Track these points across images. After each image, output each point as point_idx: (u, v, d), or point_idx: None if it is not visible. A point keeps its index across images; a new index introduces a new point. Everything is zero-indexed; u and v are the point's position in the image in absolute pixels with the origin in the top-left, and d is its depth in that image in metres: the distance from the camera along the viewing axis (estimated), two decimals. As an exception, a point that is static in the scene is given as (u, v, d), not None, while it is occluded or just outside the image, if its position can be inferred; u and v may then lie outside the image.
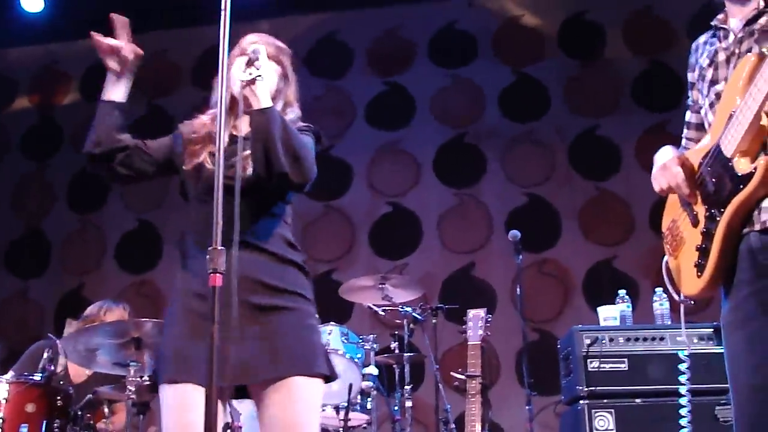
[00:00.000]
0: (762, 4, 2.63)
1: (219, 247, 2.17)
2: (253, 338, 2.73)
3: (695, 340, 4.87)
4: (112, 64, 3.10)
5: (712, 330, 4.87)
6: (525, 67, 8.43)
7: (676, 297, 2.86)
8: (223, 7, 2.48)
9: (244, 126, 2.93)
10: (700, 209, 2.67)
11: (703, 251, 2.62)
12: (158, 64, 8.88)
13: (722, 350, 4.73)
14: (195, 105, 9.31)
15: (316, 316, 2.94)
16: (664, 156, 2.83)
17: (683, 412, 3.14)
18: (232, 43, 2.70)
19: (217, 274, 2.16)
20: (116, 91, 3.16)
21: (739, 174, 2.47)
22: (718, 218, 2.55)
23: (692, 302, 2.77)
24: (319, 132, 3.12)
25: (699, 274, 2.64)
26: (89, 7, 8.15)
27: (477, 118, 8.37)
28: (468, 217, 8.10)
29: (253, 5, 7.64)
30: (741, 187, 2.46)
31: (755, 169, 2.42)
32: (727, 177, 2.53)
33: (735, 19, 2.74)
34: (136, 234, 8.54)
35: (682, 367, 3.16)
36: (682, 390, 3.11)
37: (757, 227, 2.49)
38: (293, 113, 3.10)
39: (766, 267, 2.49)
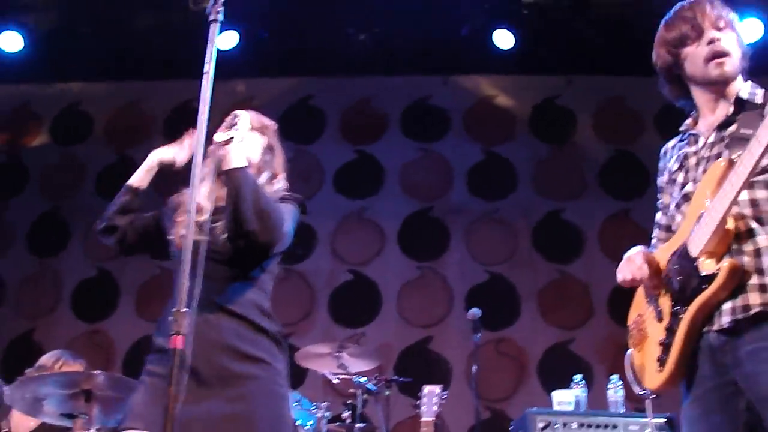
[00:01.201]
0: (731, 110, 2.70)
1: (183, 309, 2.15)
2: (219, 400, 2.71)
3: (647, 430, 4.89)
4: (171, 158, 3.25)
5: (665, 420, 4.89)
6: (495, 146, 8.53)
7: (636, 390, 2.88)
8: (207, 60, 2.49)
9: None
10: (665, 305, 2.70)
11: (666, 346, 2.66)
12: (131, 114, 8.89)
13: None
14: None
15: (286, 385, 2.94)
16: (632, 252, 2.87)
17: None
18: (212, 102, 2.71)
19: (179, 336, 2.13)
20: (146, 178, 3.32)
21: (703, 274, 2.52)
22: (681, 315, 2.60)
23: (653, 395, 2.80)
24: (304, 202, 3.17)
25: (660, 368, 2.67)
26: (67, 50, 8.22)
27: (444, 192, 8.43)
28: (428, 290, 8.10)
29: (230, 64, 7.69)
30: (704, 287, 2.51)
31: (718, 270, 2.48)
32: (691, 276, 2.57)
33: (704, 123, 2.81)
34: (94, 282, 8.43)
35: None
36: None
37: (716, 327, 2.54)
38: (279, 184, 3.14)
39: (725, 365, 2.54)
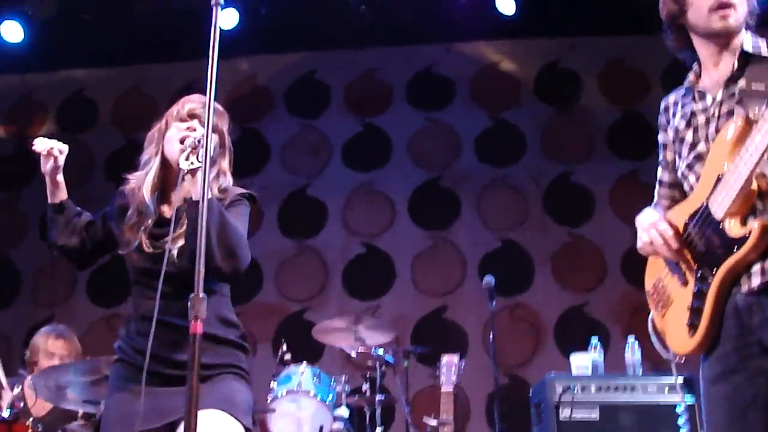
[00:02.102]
0: (736, 64, 2.66)
1: (201, 295, 2.16)
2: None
3: (666, 391, 4.91)
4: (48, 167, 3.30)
5: (683, 380, 4.90)
6: (501, 113, 8.51)
7: (664, 354, 2.87)
8: (211, 43, 2.47)
9: (177, 201, 3.01)
10: (689, 269, 2.68)
11: (696, 311, 2.63)
12: (136, 98, 8.90)
13: (693, 401, 4.80)
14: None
15: (247, 384, 3.03)
16: (648, 217, 2.84)
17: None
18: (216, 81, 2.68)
19: (198, 322, 2.15)
20: (58, 192, 3.43)
21: (732, 237, 2.50)
22: (709, 279, 2.58)
23: (683, 360, 2.78)
24: (254, 195, 3.13)
25: (692, 333, 2.65)
26: (68, 38, 8.22)
27: (453, 161, 8.42)
28: (441, 259, 8.12)
29: (233, 43, 7.67)
30: (735, 249, 2.50)
31: (749, 233, 2.46)
32: (718, 239, 2.55)
33: (709, 78, 2.76)
34: (108, 267, 8.44)
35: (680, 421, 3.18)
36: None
37: (744, 289, 2.53)
38: (225, 182, 3.10)
39: (750, 327, 2.54)
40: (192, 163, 2.81)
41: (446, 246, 8.16)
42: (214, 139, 3.02)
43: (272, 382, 5.84)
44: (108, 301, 8.29)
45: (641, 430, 4.87)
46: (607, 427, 4.89)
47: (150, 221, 3.05)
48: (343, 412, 5.70)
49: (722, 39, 2.70)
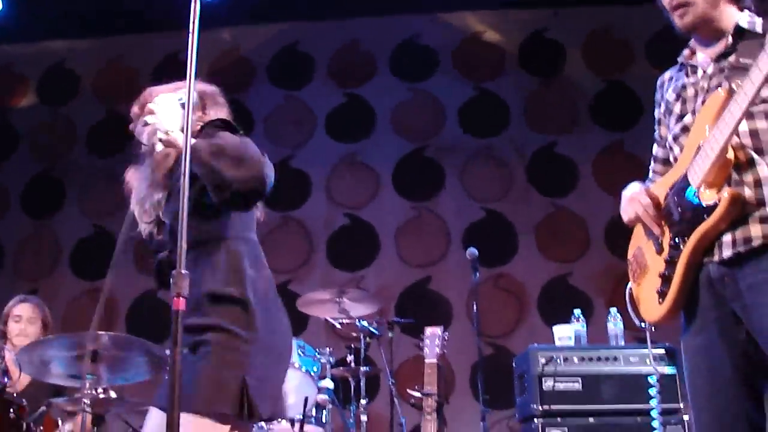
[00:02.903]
0: (731, 41, 2.67)
1: (183, 271, 2.15)
2: None
3: (648, 361, 4.95)
4: None
5: (664, 351, 4.96)
6: (485, 83, 8.49)
7: (637, 323, 2.90)
8: (192, 15, 2.45)
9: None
10: (665, 238, 2.71)
11: (666, 278, 2.68)
12: (118, 70, 8.83)
13: (674, 371, 4.86)
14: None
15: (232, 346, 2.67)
16: (631, 189, 2.88)
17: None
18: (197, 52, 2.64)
19: (180, 298, 2.14)
20: None
21: (704, 205, 2.53)
22: (681, 247, 2.61)
23: (653, 328, 2.82)
24: (230, 121, 2.96)
25: (661, 300, 2.70)
26: (48, 8, 8.13)
27: (437, 132, 8.41)
28: (425, 230, 8.13)
29: (215, 14, 7.61)
30: (705, 217, 2.52)
31: (719, 200, 2.49)
32: (692, 207, 2.58)
33: (703, 54, 2.79)
34: (92, 240, 8.44)
35: (653, 391, 3.22)
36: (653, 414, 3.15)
37: (716, 258, 2.56)
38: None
39: (724, 297, 2.57)
40: (155, 140, 2.78)
41: (430, 217, 8.17)
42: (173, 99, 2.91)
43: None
44: (92, 274, 8.26)
45: (623, 400, 4.91)
46: (590, 397, 4.93)
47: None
48: (328, 383, 5.71)
49: (697, 32, 2.74)
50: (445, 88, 8.53)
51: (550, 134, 8.26)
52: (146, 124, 2.79)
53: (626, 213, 2.87)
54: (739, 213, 2.49)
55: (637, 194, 2.82)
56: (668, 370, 4.89)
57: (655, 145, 3.04)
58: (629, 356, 5.03)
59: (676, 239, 2.64)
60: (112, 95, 8.68)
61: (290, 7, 8.44)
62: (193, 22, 2.43)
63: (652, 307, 2.76)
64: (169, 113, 2.82)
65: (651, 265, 2.80)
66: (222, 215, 2.82)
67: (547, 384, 4.95)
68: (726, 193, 2.48)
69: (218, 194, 2.62)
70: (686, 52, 2.87)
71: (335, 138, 8.51)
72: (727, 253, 2.53)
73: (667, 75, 2.99)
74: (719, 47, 2.72)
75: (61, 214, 8.57)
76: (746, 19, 2.70)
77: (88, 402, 4.13)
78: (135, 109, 3.05)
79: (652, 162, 3.05)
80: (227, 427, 2.59)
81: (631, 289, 2.95)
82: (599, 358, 5.03)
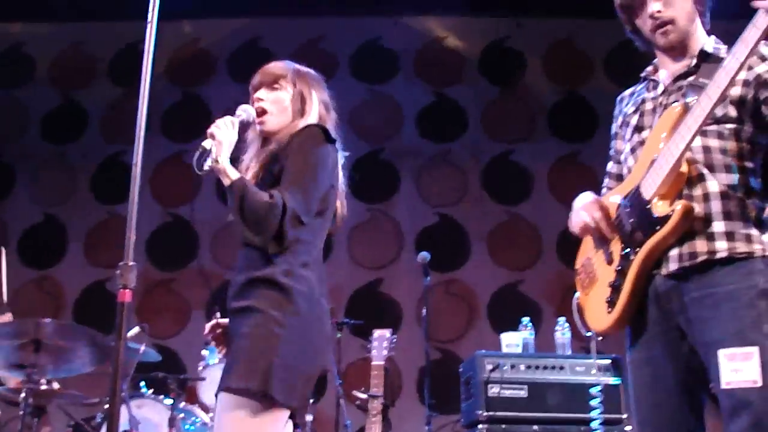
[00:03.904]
0: (694, 62, 2.73)
1: (130, 263, 2.13)
2: None
3: (593, 371, 4.99)
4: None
5: (609, 361, 5.00)
6: (445, 88, 8.52)
7: (584, 333, 2.92)
8: (151, 5, 2.44)
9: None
10: (616, 248, 2.74)
11: (615, 288, 2.70)
12: (75, 56, 8.72)
13: (618, 382, 4.92)
14: (110, 100, 9.12)
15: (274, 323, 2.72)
16: (582, 199, 2.90)
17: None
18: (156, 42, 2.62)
19: (126, 290, 2.12)
20: None
21: (656, 216, 2.56)
22: (632, 257, 2.64)
23: (600, 337, 2.84)
24: (326, 129, 3.06)
25: (609, 310, 2.71)
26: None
27: (394, 135, 8.42)
28: (379, 232, 8.13)
29: (177, 5, 7.54)
30: (657, 228, 2.56)
31: (672, 212, 2.52)
32: (644, 219, 2.61)
33: (665, 71, 2.84)
34: (41, 228, 8.32)
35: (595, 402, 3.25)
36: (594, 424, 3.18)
37: (663, 272, 2.60)
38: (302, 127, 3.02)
39: (670, 311, 2.62)
40: (204, 165, 2.82)
41: (384, 219, 8.17)
42: (283, 100, 3.12)
43: (204, 350, 5.81)
44: (40, 262, 8.14)
45: (568, 408, 4.94)
46: (535, 404, 4.95)
47: None
48: (274, 381, 5.69)
49: (674, 50, 2.78)
50: (404, 92, 8.54)
51: (507, 142, 8.31)
52: (203, 146, 2.85)
53: (575, 223, 2.88)
54: (690, 224, 2.53)
55: (587, 205, 2.84)
56: (613, 380, 4.94)
57: (610, 162, 3.08)
58: (575, 366, 5.06)
59: (627, 250, 2.67)
60: (69, 82, 8.58)
61: (253, 2, 8.40)
62: (152, 12, 2.41)
63: (600, 317, 2.78)
64: (226, 138, 2.88)
65: (600, 275, 2.82)
66: None
67: (493, 390, 4.96)
68: (679, 205, 2.52)
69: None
70: (650, 68, 2.93)
71: (292, 136, 8.45)
72: (673, 266, 2.58)
73: (628, 91, 3.04)
74: (682, 66, 2.77)
75: (10, 200, 8.43)
76: (712, 44, 2.77)
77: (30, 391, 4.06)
78: (256, 81, 3.23)
79: (606, 178, 3.08)
80: (258, 406, 2.62)
81: (578, 298, 2.96)
82: (546, 367, 5.05)
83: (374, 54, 8.66)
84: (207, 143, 2.83)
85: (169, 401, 5.33)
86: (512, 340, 5.40)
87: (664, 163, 2.55)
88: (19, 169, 8.48)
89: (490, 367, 5.03)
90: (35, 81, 8.73)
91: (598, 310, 2.79)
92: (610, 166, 3.07)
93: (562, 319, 5.46)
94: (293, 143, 2.93)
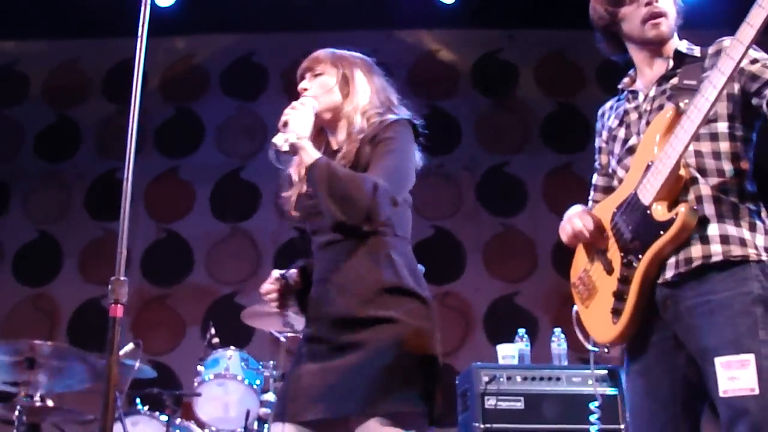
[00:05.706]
0: (671, 64, 2.73)
1: (122, 278, 2.12)
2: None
3: (589, 382, 4.99)
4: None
5: (606, 372, 4.99)
6: (438, 101, 8.53)
7: (586, 345, 2.88)
8: (141, 21, 2.44)
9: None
10: (615, 257, 2.70)
11: (620, 297, 2.66)
12: (69, 74, 8.72)
13: (615, 392, 4.90)
14: (104, 116, 9.09)
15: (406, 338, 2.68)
16: (572, 210, 2.89)
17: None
18: (147, 57, 2.63)
19: (118, 305, 2.11)
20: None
21: (658, 221, 2.54)
22: (635, 264, 2.61)
23: (605, 349, 2.79)
24: (413, 120, 3.08)
25: (615, 319, 2.67)
26: (0, 8, 8.00)
27: (389, 148, 8.40)
28: (375, 246, 8.10)
29: (170, 21, 7.56)
30: (661, 233, 2.53)
31: (676, 215, 2.50)
32: (645, 224, 2.59)
33: (643, 79, 2.84)
34: (36, 245, 8.30)
35: (594, 413, 3.22)
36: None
37: (660, 280, 2.59)
38: (376, 116, 3.04)
39: (666, 320, 2.60)
40: (286, 140, 2.80)
41: (379, 233, 8.13)
42: (325, 85, 3.08)
43: (199, 365, 5.79)
44: (35, 280, 8.11)
45: (565, 420, 4.93)
46: (532, 416, 4.94)
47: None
48: (270, 397, 5.68)
49: (657, 46, 2.79)
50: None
51: (501, 154, 8.31)
52: (284, 124, 2.86)
53: (565, 232, 2.86)
54: (694, 226, 2.51)
55: (579, 213, 2.83)
56: (610, 391, 4.93)
57: (595, 175, 3.06)
58: (572, 376, 5.05)
59: (629, 257, 2.64)
60: (63, 100, 8.57)
61: (247, 17, 8.41)
62: (143, 27, 2.41)
63: (605, 328, 2.73)
64: (301, 118, 2.91)
65: (601, 286, 2.78)
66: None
67: (490, 402, 4.95)
68: (683, 207, 2.50)
69: (326, 217, 2.77)
70: (626, 79, 2.94)
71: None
72: (669, 274, 2.56)
73: (607, 105, 3.03)
74: (659, 71, 2.77)
75: (5, 217, 8.41)
76: (685, 45, 2.78)
77: (22, 409, 4.05)
78: (300, 70, 3.21)
79: (592, 191, 3.06)
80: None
81: (577, 311, 2.92)
82: (542, 378, 5.05)
83: (369, 68, 8.65)
84: (278, 139, 2.83)
85: (164, 417, 5.32)
86: (508, 352, 5.39)
87: (663, 167, 2.53)
88: (13, 186, 8.46)
89: (486, 379, 5.02)
90: (29, 99, 8.73)
91: (601, 321, 2.75)
92: (596, 179, 3.05)
93: (557, 330, 5.46)
94: (382, 135, 2.95)
